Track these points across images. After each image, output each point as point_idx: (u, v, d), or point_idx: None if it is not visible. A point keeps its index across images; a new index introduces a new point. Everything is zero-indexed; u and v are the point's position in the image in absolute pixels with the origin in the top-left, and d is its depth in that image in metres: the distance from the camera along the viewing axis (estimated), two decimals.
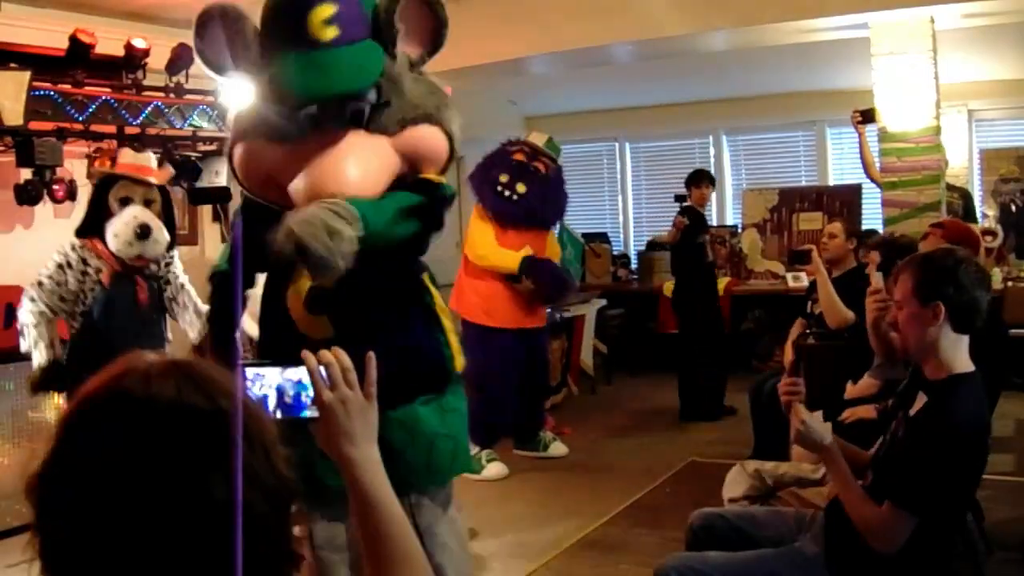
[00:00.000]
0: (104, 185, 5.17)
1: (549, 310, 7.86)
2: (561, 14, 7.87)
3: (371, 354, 1.70)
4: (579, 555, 5.46)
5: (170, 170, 5.66)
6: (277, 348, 3.22)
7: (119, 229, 4.96)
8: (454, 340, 3.49)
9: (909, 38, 7.09)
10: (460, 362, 3.53)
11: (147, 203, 5.14)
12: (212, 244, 7.96)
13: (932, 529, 2.90)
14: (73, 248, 5.04)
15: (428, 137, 3.17)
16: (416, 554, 1.67)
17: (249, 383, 1.63)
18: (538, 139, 7.51)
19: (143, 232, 4.96)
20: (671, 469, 6.97)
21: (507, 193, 7.11)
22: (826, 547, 3.13)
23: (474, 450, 7.00)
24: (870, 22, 7.17)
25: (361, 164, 3.00)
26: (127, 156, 5.46)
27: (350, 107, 3.03)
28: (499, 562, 5.35)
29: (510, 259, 7.07)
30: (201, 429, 1.15)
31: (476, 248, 7.16)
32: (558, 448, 7.56)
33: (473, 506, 5.95)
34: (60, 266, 4.99)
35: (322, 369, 1.65)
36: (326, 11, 2.96)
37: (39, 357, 4.95)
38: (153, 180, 5.28)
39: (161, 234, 5.07)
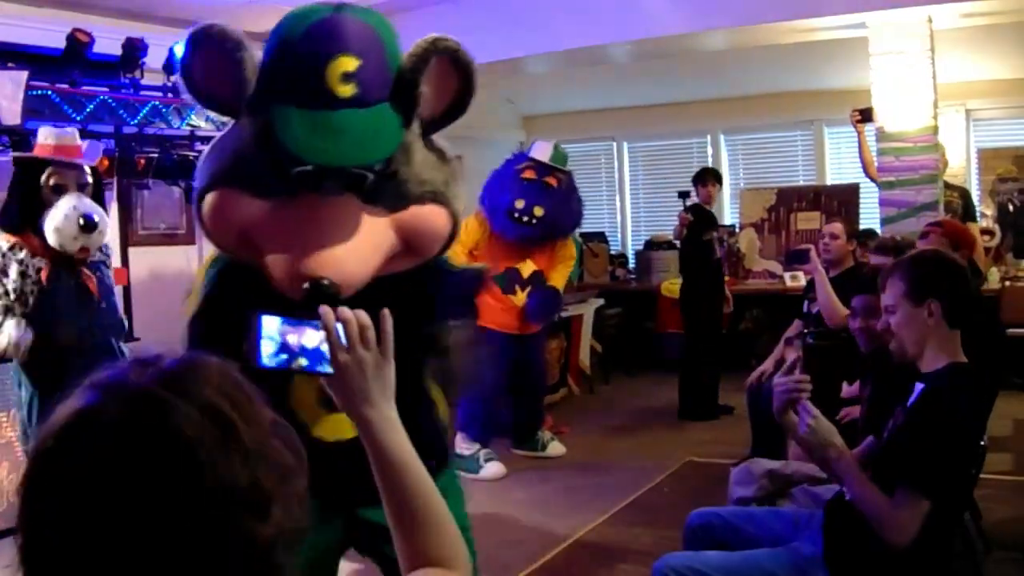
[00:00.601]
0: (31, 172, 4.73)
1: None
2: (559, 13, 7.87)
3: (386, 311, 1.67)
4: (577, 555, 5.45)
5: (100, 147, 5.31)
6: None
7: (61, 223, 4.57)
8: (444, 412, 3.23)
9: (907, 38, 7.08)
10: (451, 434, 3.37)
11: (81, 188, 4.75)
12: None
13: (934, 523, 2.89)
14: (2, 253, 4.64)
15: (432, 218, 2.76)
16: (441, 510, 1.65)
17: (262, 333, 1.60)
18: (543, 150, 7.44)
19: (88, 225, 4.60)
20: (669, 469, 6.96)
21: (525, 219, 7.07)
22: (824, 547, 3.13)
23: (472, 448, 7.03)
24: (868, 22, 7.17)
25: (353, 247, 2.61)
26: (49, 135, 4.87)
27: (348, 176, 2.58)
28: (496, 562, 5.34)
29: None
30: (143, 461, 1.10)
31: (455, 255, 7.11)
32: (556, 448, 7.57)
33: (471, 506, 5.93)
34: None
35: (339, 327, 1.63)
36: (348, 64, 2.53)
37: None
38: (84, 163, 4.87)
39: (104, 223, 4.73)
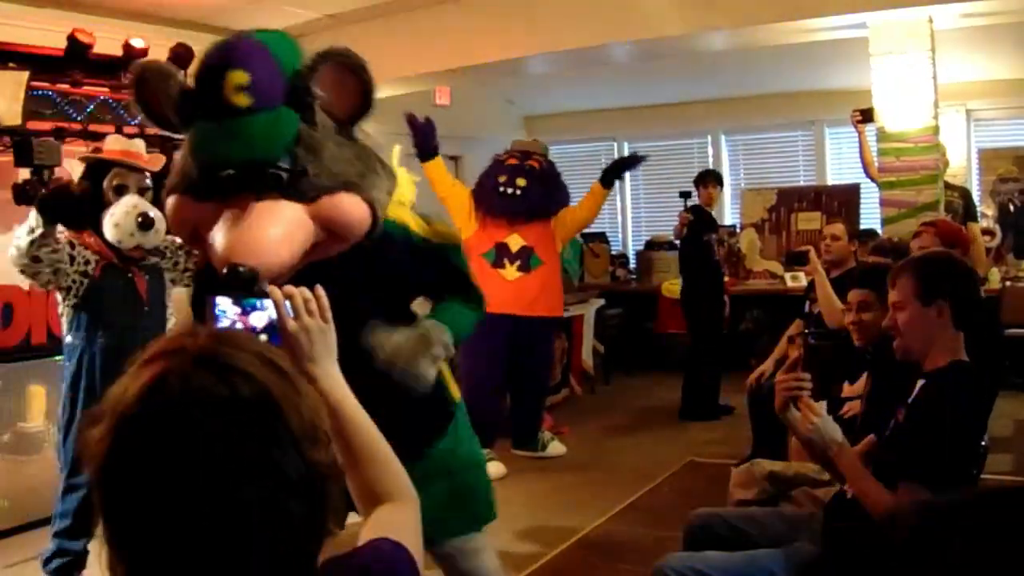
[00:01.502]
0: (96, 172, 4.89)
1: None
2: (559, 14, 7.86)
3: (319, 286, 1.97)
4: (577, 555, 5.46)
5: (162, 158, 5.42)
6: None
7: (120, 219, 4.70)
8: (447, 372, 3.53)
9: (907, 38, 7.07)
10: (457, 393, 3.64)
11: (141, 191, 4.88)
12: None
13: None
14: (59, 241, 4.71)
15: (345, 206, 3.01)
16: (385, 450, 1.87)
17: (216, 312, 1.87)
18: (531, 145, 7.78)
19: (146, 222, 4.71)
20: (670, 469, 6.97)
21: (509, 191, 7.27)
22: (825, 546, 3.13)
23: None
24: (868, 22, 7.16)
25: (270, 236, 2.86)
26: (117, 142, 5.19)
27: (268, 172, 2.89)
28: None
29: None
30: (225, 421, 1.23)
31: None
32: (556, 448, 7.58)
33: None
34: (54, 250, 4.65)
35: (285, 300, 1.90)
36: (239, 78, 2.85)
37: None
38: (147, 168, 5.03)
39: (161, 224, 4.75)
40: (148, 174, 4.98)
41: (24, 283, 6.10)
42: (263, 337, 1.87)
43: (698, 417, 8.39)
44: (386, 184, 3.19)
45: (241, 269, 2.67)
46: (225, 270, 2.68)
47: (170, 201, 3.07)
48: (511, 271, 7.25)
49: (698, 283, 8.64)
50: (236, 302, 1.92)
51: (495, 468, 6.98)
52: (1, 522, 5.60)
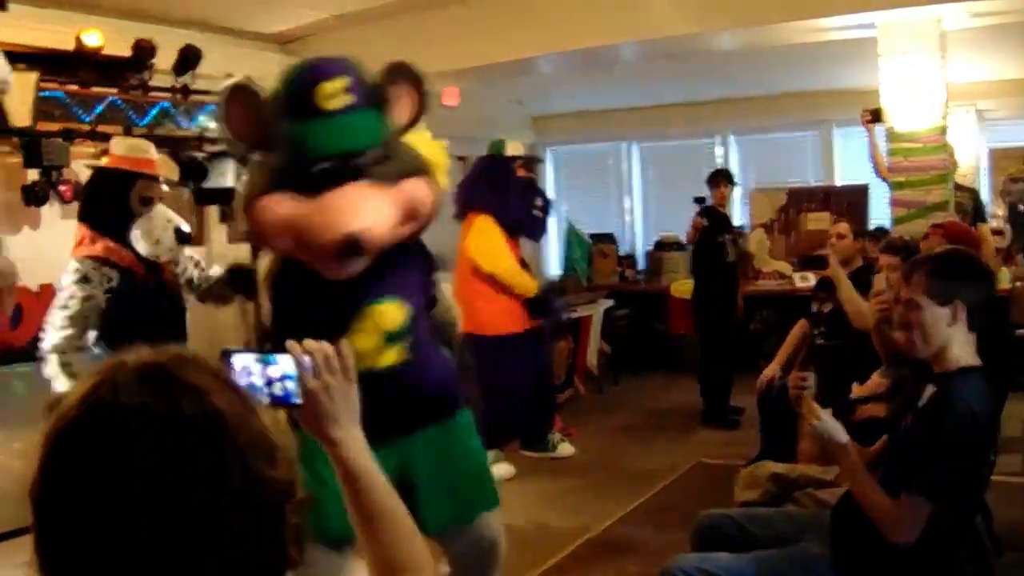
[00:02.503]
0: (120, 181, 4.72)
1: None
2: (568, 14, 7.85)
3: (345, 341, 1.83)
4: (586, 556, 5.46)
5: (173, 164, 5.40)
6: None
7: (161, 235, 4.65)
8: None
9: (916, 38, 7.06)
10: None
11: (162, 199, 4.82)
12: (219, 244, 7.96)
13: (943, 525, 2.88)
14: (82, 262, 4.57)
15: (421, 188, 3.48)
16: (406, 521, 1.79)
17: (235, 374, 1.68)
18: (517, 146, 7.57)
19: (183, 237, 4.72)
20: (678, 470, 6.97)
21: (541, 215, 7.35)
22: (832, 547, 3.12)
23: None
24: (877, 22, 7.15)
25: (372, 206, 3.30)
26: (122, 145, 4.96)
27: (356, 164, 3.34)
28: (505, 562, 5.33)
29: (528, 285, 7.17)
30: (163, 435, 1.17)
31: (497, 261, 7.13)
32: (566, 449, 7.58)
33: None
34: (79, 282, 4.51)
35: (306, 358, 1.74)
36: (334, 85, 3.35)
37: (62, 387, 4.49)
38: (165, 178, 4.99)
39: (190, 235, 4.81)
40: (163, 182, 4.90)
41: (33, 284, 6.13)
42: (284, 388, 1.75)
43: (713, 420, 8.35)
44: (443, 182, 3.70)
45: (353, 237, 3.15)
46: (339, 239, 3.16)
47: (262, 202, 3.38)
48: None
49: (710, 284, 8.59)
50: (257, 359, 1.75)
51: (504, 469, 6.99)
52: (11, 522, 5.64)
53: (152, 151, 5.00)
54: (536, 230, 7.43)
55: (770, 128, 11.76)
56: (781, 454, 5.06)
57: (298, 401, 1.73)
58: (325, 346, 1.77)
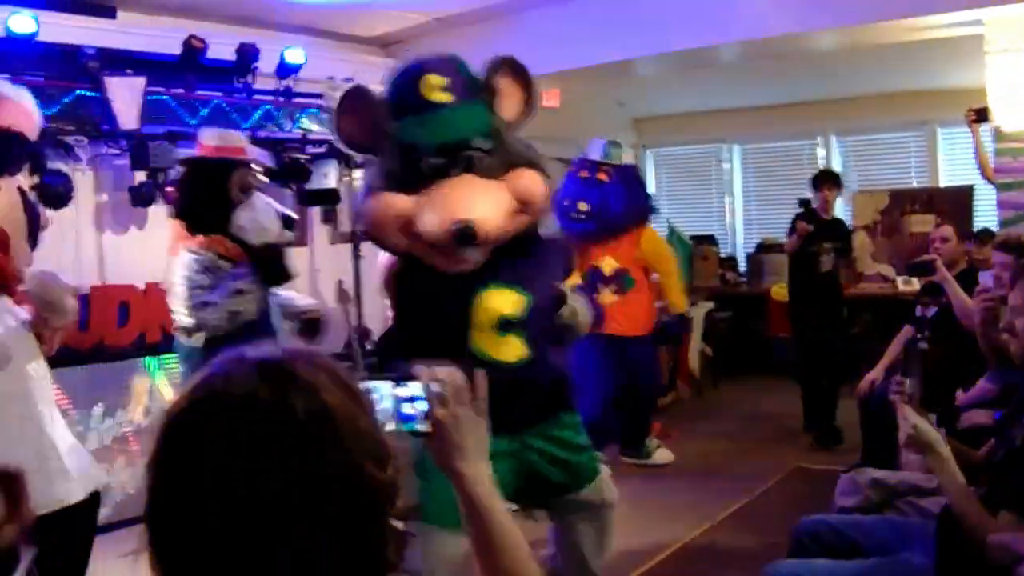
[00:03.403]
0: (217, 171, 4.70)
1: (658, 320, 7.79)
2: (668, 15, 7.81)
3: (482, 372, 1.76)
4: (683, 560, 5.43)
5: (267, 153, 5.35)
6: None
7: (266, 222, 4.61)
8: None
9: None
10: None
11: (260, 189, 4.79)
12: (322, 245, 8.07)
13: None
14: (194, 252, 4.54)
15: (531, 179, 3.60)
16: (526, 559, 1.72)
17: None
18: (597, 148, 7.53)
19: (289, 222, 4.70)
20: (777, 475, 6.90)
21: (573, 214, 7.22)
22: (937, 559, 3.05)
23: None
24: (984, 18, 7.00)
25: (482, 199, 3.43)
26: (221, 137, 4.91)
27: (465, 156, 3.49)
28: (602, 566, 5.33)
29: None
30: (268, 425, 1.20)
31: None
32: (663, 455, 7.51)
33: None
34: (199, 272, 4.49)
35: (434, 386, 1.69)
36: (436, 81, 3.52)
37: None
38: (264, 163, 4.99)
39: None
40: (260, 168, 4.88)
41: (140, 282, 6.24)
42: (413, 415, 1.71)
43: (815, 433, 7.90)
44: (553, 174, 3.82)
45: (468, 225, 3.29)
46: (453, 227, 3.30)
47: (375, 200, 3.55)
48: (607, 295, 7.22)
49: (803, 295, 8.09)
50: (389, 384, 1.71)
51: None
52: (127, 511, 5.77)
53: (243, 139, 5.02)
54: (565, 228, 7.21)
55: (872, 129, 11.57)
56: (883, 460, 4.98)
57: (425, 429, 1.70)
58: (456, 375, 1.72)
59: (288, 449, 1.18)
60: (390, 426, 1.68)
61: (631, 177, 7.60)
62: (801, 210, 8.00)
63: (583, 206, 7.22)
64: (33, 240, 3.77)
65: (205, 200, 4.66)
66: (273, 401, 1.20)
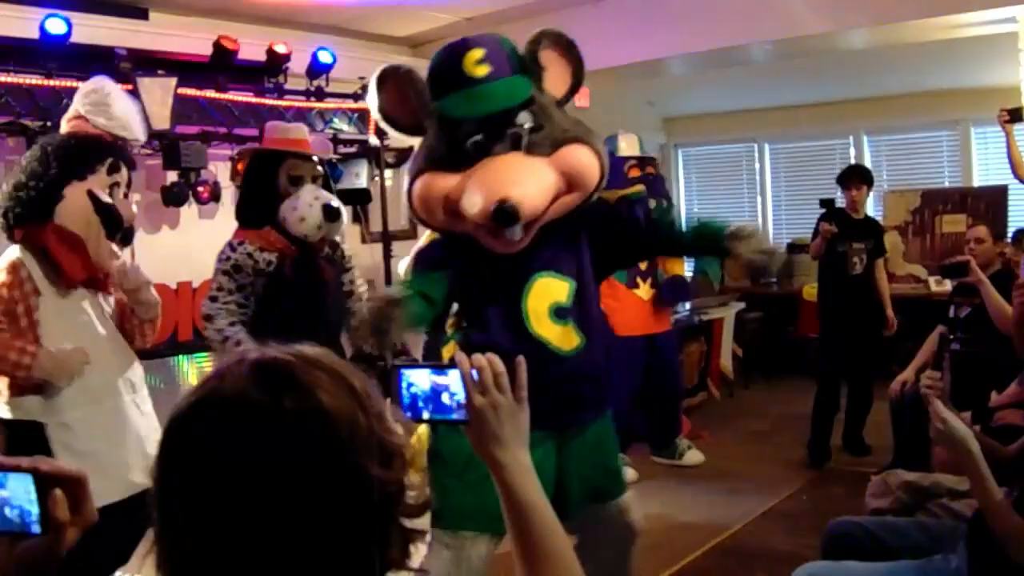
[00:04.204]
0: (269, 163, 4.66)
1: (676, 314, 7.75)
2: (699, 14, 7.80)
3: (521, 358, 1.73)
4: (713, 560, 5.43)
5: (328, 144, 5.30)
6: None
7: (306, 212, 4.51)
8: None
9: None
10: None
11: (313, 180, 4.70)
12: (352, 244, 8.08)
13: None
14: (232, 248, 4.55)
15: (580, 155, 3.43)
16: (567, 554, 1.69)
17: (402, 384, 1.66)
18: (632, 143, 7.38)
19: (332, 213, 4.57)
20: (808, 476, 6.87)
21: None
22: (970, 561, 3.04)
23: None
24: (1018, 16, 6.96)
25: (527, 173, 3.31)
26: (280, 130, 4.93)
27: (510, 132, 3.37)
28: (632, 565, 5.33)
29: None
30: (259, 426, 1.21)
31: None
32: (694, 456, 7.49)
33: None
34: (227, 272, 4.51)
35: (474, 373, 1.67)
36: (477, 54, 3.42)
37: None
38: (318, 155, 4.90)
39: (344, 213, 4.70)
40: (318, 161, 4.83)
41: (172, 282, 6.28)
42: (451, 403, 1.69)
43: (850, 446, 7.59)
44: (604, 148, 3.60)
45: (508, 203, 3.16)
46: (494, 206, 3.17)
47: (420, 181, 3.47)
48: (645, 289, 7.22)
49: (829, 298, 7.70)
50: (428, 372, 1.69)
51: (627, 474, 6.97)
52: None
53: (304, 131, 4.99)
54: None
55: (904, 128, 11.49)
56: (915, 462, 4.96)
57: (461, 417, 1.68)
58: (496, 362, 1.70)
59: (280, 449, 1.19)
60: (427, 415, 1.68)
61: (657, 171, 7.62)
62: (824, 210, 7.60)
63: (654, 204, 7.04)
64: (122, 237, 3.97)
65: (256, 192, 4.68)
66: (264, 401, 1.21)
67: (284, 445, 1.19)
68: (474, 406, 1.66)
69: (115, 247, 3.92)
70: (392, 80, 3.56)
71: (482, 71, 3.41)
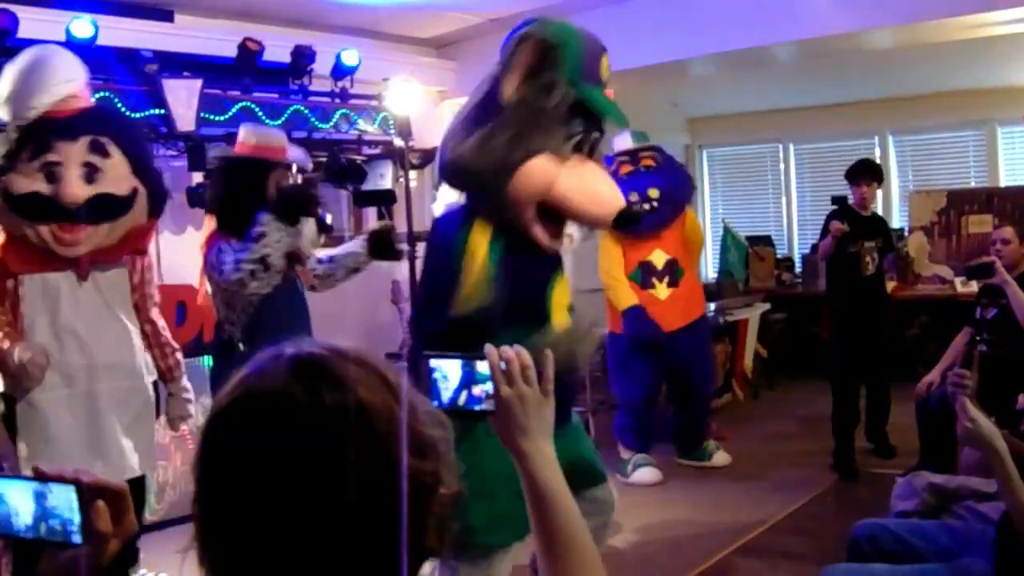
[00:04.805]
0: (255, 170, 4.58)
1: (711, 311, 7.71)
2: (723, 15, 7.78)
3: (548, 352, 1.76)
4: (738, 562, 5.42)
5: (307, 156, 5.23)
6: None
7: (301, 224, 4.45)
8: None
9: None
10: None
11: None
12: None
13: None
14: (233, 247, 4.42)
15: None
16: (588, 544, 1.71)
17: (432, 374, 1.68)
18: (624, 140, 7.33)
19: (326, 227, 4.64)
20: (833, 478, 6.86)
21: (647, 207, 6.93)
22: (997, 564, 3.02)
23: (627, 454, 7.05)
24: None
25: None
26: (262, 136, 4.80)
27: (599, 137, 3.63)
28: (657, 566, 5.33)
29: (624, 299, 7.14)
30: (302, 420, 1.22)
31: (603, 269, 7.27)
32: (722, 458, 7.46)
33: (633, 509, 5.94)
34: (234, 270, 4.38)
35: (502, 365, 1.70)
36: (607, 60, 3.58)
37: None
38: (301, 164, 4.87)
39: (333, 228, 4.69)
40: (297, 170, 4.79)
41: (197, 282, 6.31)
42: (480, 394, 1.71)
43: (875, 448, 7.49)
44: None
45: (635, 208, 3.46)
46: (622, 207, 3.54)
47: (539, 160, 3.39)
48: (662, 289, 7.18)
49: (842, 301, 7.42)
50: (456, 364, 1.71)
51: (646, 474, 6.98)
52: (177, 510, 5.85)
53: (283, 139, 4.91)
54: (645, 224, 6.78)
55: (930, 128, 11.43)
56: (940, 464, 4.94)
57: (489, 408, 1.71)
58: (524, 355, 1.73)
59: (323, 444, 1.21)
60: (455, 405, 1.70)
61: (672, 164, 7.55)
62: (835, 207, 7.32)
63: (654, 192, 7.04)
64: (65, 215, 3.89)
65: (241, 199, 4.54)
66: (306, 397, 1.23)
67: (325, 440, 1.21)
68: (502, 397, 1.70)
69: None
70: (539, 42, 3.47)
71: (607, 76, 3.58)
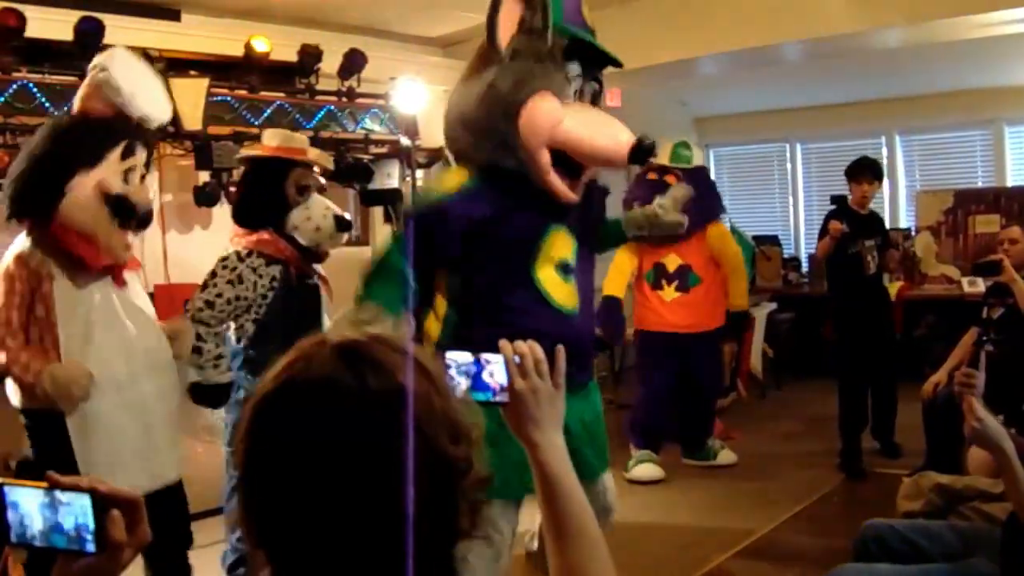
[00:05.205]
0: (276, 170, 4.61)
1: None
2: (730, 14, 7.78)
3: (560, 347, 1.80)
4: (745, 561, 5.41)
5: (328, 155, 5.25)
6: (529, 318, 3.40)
7: (321, 222, 4.54)
8: None
9: None
10: None
11: (320, 191, 4.71)
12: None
13: None
14: (240, 258, 4.47)
15: None
16: (596, 534, 1.76)
17: (448, 367, 1.73)
18: (664, 150, 7.19)
19: (344, 224, 4.62)
20: (840, 477, 6.85)
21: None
22: (1003, 565, 3.01)
23: (635, 452, 7.06)
24: None
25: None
26: (285, 138, 4.85)
27: (599, 89, 3.73)
28: (664, 565, 5.33)
29: (608, 286, 7.23)
30: (348, 405, 1.27)
31: (613, 264, 7.40)
32: (727, 456, 7.47)
33: (637, 508, 5.94)
34: (230, 282, 4.42)
35: (516, 358, 1.77)
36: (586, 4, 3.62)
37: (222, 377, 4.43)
38: (324, 166, 4.88)
39: (352, 226, 4.71)
40: (317, 172, 4.81)
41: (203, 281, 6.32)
42: (493, 386, 1.78)
43: (882, 448, 7.47)
44: None
45: (647, 141, 3.46)
46: (635, 141, 3.45)
47: (544, 98, 3.44)
48: (669, 292, 7.21)
49: (846, 306, 7.42)
50: (470, 357, 1.78)
51: (646, 470, 6.98)
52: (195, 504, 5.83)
53: (305, 139, 4.99)
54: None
55: (937, 127, 11.42)
56: (947, 464, 4.93)
57: (502, 399, 1.76)
58: (537, 349, 1.78)
59: (367, 427, 1.25)
60: (469, 396, 1.73)
61: (700, 179, 7.11)
62: (834, 207, 7.36)
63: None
64: (138, 223, 3.87)
65: (262, 199, 4.60)
66: (352, 383, 1.27)
67: (370, 426, 1.26)
68: (515, 389, 1.75)
69: (131, 236, 3.88)
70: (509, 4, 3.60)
71: (589, 20, 3.61)
